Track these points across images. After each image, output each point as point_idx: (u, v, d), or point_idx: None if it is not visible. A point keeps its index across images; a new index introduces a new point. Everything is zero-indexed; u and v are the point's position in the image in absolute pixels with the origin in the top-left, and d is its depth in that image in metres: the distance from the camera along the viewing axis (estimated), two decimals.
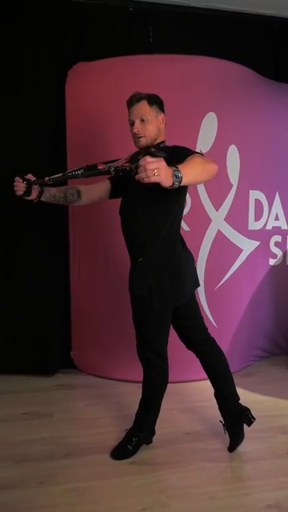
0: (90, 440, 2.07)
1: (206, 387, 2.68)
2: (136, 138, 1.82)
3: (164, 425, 2.17)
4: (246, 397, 2.55)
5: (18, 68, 2.76)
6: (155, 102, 1.84)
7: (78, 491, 1.73)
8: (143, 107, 1.80)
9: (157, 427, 2.05)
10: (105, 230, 2.67)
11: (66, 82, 2.77)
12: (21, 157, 2.77)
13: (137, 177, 1.33)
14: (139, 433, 1.96)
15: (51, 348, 2.86)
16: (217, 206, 2.72)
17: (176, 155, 1.65)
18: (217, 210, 2.73)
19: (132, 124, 1.82)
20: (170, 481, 1.79)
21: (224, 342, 2.86)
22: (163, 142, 1.87)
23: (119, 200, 1.94)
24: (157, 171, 1.31)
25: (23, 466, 1.87)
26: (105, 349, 2.81)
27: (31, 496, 1.69)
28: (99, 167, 1.71)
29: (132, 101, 1.82)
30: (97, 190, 1.95)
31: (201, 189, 2.67)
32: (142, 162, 1.32)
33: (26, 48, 2.76)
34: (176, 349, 2.75)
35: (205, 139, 2.65)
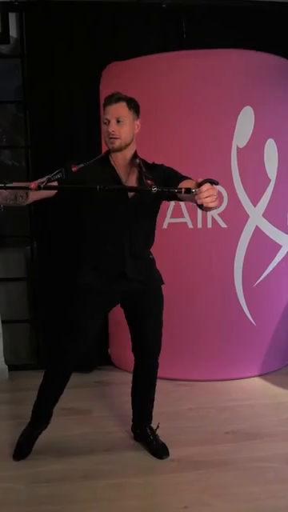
0: (129, 436, 2.09)
1: (245, 386, 2.66)
2: (110, 138, 1.74)
3: (203, 423, 2.15)
4: (286, 397, 2.50)
5: (51, 70, 2.82)
6: (134, 106, 1.78)
7: (120, 486, 1.75)
8: (121, 108, 1.74)
9: (196, 425, 2.05)
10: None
11: (100, 82, 2.79)
12: (55, 160, 2.82)
13: (199, 201, 1.39)
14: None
15: (89, 345, 2.89)
16: (255, 201, 2.66)
17: (170, 176, 1.71)
18: (255, 206, 2.67)
19: (106, 123, 1.75)
20: (211, 480, 1.78)
21: (263, 340, 2.82)
22: (135, 152, 1.82)
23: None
24: (216, 197, 1.40)
25: (65, 461, 1.92)
26: None
27: (74, 489, 1.73)
28: (73, 169, 1.74)
29: (110, 100, 1.75)
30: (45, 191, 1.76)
31: (238, 185, 2.62)
32: (205, 187, 1.39)
33: (60, 50, 2.81)
34: (215, 348, 2.73)
35: (241, 134, 2.60)
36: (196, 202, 1.42)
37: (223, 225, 2.65)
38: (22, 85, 2.96)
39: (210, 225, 2.66)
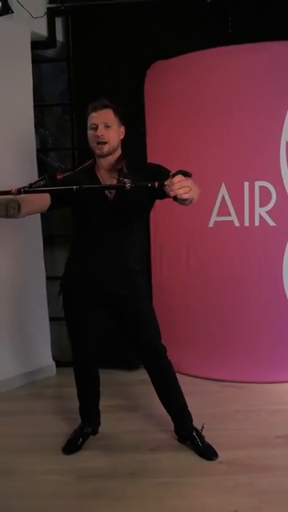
0: (174, 436, 2.06)
1: None
2: (98, 143, 1.75)
3: (253, 426, 2.09)
4: None
5: (96, 72, 2.86)
6: (119, 113, 1.81)
7: (167, 486, 1.73)
8: (109, 114, 1.77)
9: (244, 428, 1.98)
10: (187, 229, 2.66)
11: (145, 81, 2.80)
12: None
13: (172, 193, 1.38)
14: None
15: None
16: None
17: (157, 173, 1.64)
18: None
19: (94, 129, 1.76)
20: (263, 484, 1.72)
21: None
22: (120, 155, 1.82)
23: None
24: (190, 188, 1.38)
25: (113, 457, 1.93)
26: (187, 346, 2.80)
27: (122, 486, 1.73)
28: (58, 177, 1.72)
29: (97, 106, 1.77)
30: (37, 202, 1.78)
31: (287, 181, 2.54)
32: (177, 178, 1.38)
33: (105, 52, 2.85)
34: (264, 349, 2.66)
35: None
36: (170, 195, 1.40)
37: (271, 223, 2.58)
38: (68, 87, 3.03)
39: (257, 223, 2.59)
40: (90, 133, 1.78)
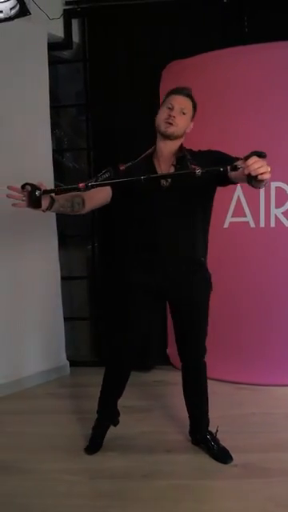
0: (187, 437, 2.05)
1: None
2: (166, 122, 1.72)
3: (268, 429, 2.07)
4: None
5: (112, 73, 2.87)
6: (195, 108, 1.81)
7: (182, 488, 1.72)
8: (188, 103, 1.76)
9: (260, 431, 1.96)
10: None
11: (161, 81, 2.79)
12: (116, 161, 2.86)
13: (253, 172, 1.32)
14: None
15: (149, 344, 2.91)
16: None
17: (220, 159, 1.59)
18: None
19: (169, 108, 1.73)
20: (278, 489, 1.70)
21: None
22: (181, 145, 1.81)
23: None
24: (268, 167, 1.32)
25: (128, 458, 1.93)
26: None
27: (136, 487, 1.73)
28: (121, 168, 1.74)
29: (181, 91, 1.76)
30: (99, 196, 1.77)
31: None
32: (253, 159, 1.32)
33: (121, 53, 2.85)
34: (280, 352, 2.63)
35: None
36: (246, 179, 1.35)
37: (287, 224, 2.55)
38: (84, 88, 3.04)
39: (273, 224, 2.56)
40: (163, 110, 1.76)
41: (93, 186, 1.54)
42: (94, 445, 1.99)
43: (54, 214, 2.87)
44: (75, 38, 3.00)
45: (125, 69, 2.86)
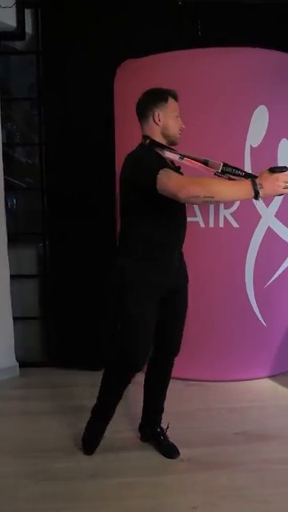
0: (138, 435, 2.08)
1: (254, 387, 2.65)
2: (179, 133, 1.80)
3: (213, 424, 2.15)
4: None
5: (66, 67, 2.82)
6: None
7: (130, 485, 1.75)
8: None
9: (205, 426, 2.04)
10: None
11: (115, 79, 2.78)
12: (68, 157, 2.83)
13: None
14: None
15: (100, 343, 2.91)
16: (267, 201, 2.64)
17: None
18: (267, 206, 2.65)
19: (177, 117, 1.79)
20: (221, 481, 1.77)
21: (274, 342, 2.80)
22: None
23: None
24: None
25: (75, 459, 1.92)
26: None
27: (83, 488, 1.74)
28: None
29: (177, 96, 1.83)
30: None
31: None
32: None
33: (75, 47, 2.80)
34: (225, 349, 2.72)
35: (255, 133, 2.58)
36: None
37: (235, 225, 2.64)
38: (37, 81, 2.97)
39: (221, 224, 2.64)
40: (175, 120, 1.78)
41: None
42: (94, 445, 1.96)
43: (2, 210, 2.80)
44: (28, 28, 2.91)
45: (79, 64, 2.81)
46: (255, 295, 2.70)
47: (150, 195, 1.59)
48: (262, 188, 1.45)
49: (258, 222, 2.65)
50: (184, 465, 1.88)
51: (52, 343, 3.02)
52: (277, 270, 2.74)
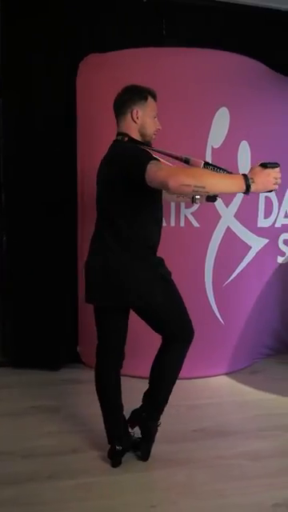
0: (96, 435, 2.05)
1: (212, 384, 2.71)
2: (154, 133, 1.81)
3: (172, 421, 2.16)
4: (252, 395, 2.56)
5: (26, 62, 2.73)
6: None
7: (87, 486, 1.73)
8: None
9: (163, 423, 2.04)
10: None
11: (78, 73, 2.73)
12: (29, 154, 2.75)
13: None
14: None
15: (58, 342, 2.86)
16: (227, 202, 2.69)
17: None
18: (227, 207, 2.71)
19: (155, 117, 1.80)
20: (178, 478, 1.79)
21: (231, 339, 2.87)
22: None
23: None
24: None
25: (32, 461, 1.88)
26: None
27: (41, 490, 1.69)
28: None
29: (156, 96, 1.83)
30: None
31: None
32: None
33: (35, 41, 2.72)
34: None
35: (216, 134, 2.63)
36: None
37: (196, 224, 2.68)
38: None
39: (182, 224, 2.67)
40: (152, 120, 1.79)
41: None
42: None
43: None
44: None
45: (40, 57, 2.73)
46: (214, 294, 2.76)
47: (138, 191, 1.60)
48: (253, 182, 1.46)
49: (217, 222, 2.71)
50: (142, 463, 1.88)
51: (8, 343, 2.92)
52: (235, 269, 2.81)
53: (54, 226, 2.80)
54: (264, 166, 1.48)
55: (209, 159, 2.61)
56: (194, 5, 2.89)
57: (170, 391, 1.91)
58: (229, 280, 2.79)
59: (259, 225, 2.87)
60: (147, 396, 1.94)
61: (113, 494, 1.69)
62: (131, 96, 1.77)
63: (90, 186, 2.79)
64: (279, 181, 1.50)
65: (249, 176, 1.47)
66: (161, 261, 1.86)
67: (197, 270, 2.72)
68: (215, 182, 1.49)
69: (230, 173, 1.63)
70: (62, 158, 2.78)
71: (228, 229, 2.74)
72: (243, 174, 1.49)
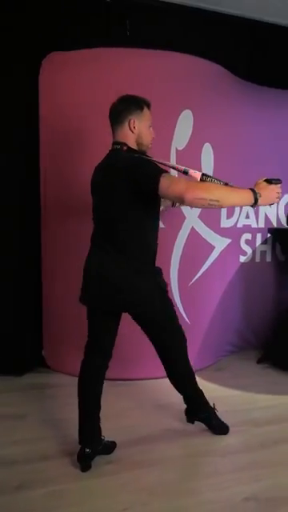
0: (65, 441, 2.02)
1: None
2: (150, 142, 1.85)
3: (141, 422, 2.17)
4: (218, 392, 2.61)
5: None
6: None
7: (57, 494, 1.69)
8: None
9: (133, 425, 2.05)
10: (77, 231, 2.62)
11: (40, 71, 2.67)
12: None
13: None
14: None
15: (22, 347, 2.78)
16: None
17: None
18: (191, 208, 2.74)
19: (150, 127, 1.84)
20: (149, 478, 1.80)
21: (197, 338, 2.91)
22: None
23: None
24: None
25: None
26: (77, 347, 2.76)
27: (9, 501, 1.64)
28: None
29: (150, 105, 1.86)
30: None
31: None
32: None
33: None
34: (151, 346, 2.75)
35: (180, 136, 2.66)
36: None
37: (161, 225, 2.68)
38: None
39: None
40: (149, 130, 1.83)
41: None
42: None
43: None
44: None
45: (2, 54, 2.63)
46: (180, 294, 2.79)
47: (144, 201, 1.67)
48: (260, 196, 1.59)
49: (182, 223, 2.74)
50: (112, 466, 1.87)
51: None
52: (200, 269, 2.85)
53: (16, 228, 2.72)
54: (269, 181, 1.63)
55: (173, 161, 2.64)
56: (159, 6, 2.89)
57: (195, 383, 2.10)
58: (194, 279, 2.83)
59: (222, 225, 2.94)
60: (184, 398, 2.10)
61: (84, 500, 1.67)
62: (127, 106, 1.79)
63: (52, 186, 2.75)
64: (280, 195, 1.66)
65: (256, 190, 1.60)
66: (159, 271, 1.90)
67: (163, 270, 2.73)
68: (228, 196, 1.59)
69: (226, 184, 1.71)
70: (24, 160, 2.70)
71: (192, 229, 2.78)
72: (251, 189, 1.61)
